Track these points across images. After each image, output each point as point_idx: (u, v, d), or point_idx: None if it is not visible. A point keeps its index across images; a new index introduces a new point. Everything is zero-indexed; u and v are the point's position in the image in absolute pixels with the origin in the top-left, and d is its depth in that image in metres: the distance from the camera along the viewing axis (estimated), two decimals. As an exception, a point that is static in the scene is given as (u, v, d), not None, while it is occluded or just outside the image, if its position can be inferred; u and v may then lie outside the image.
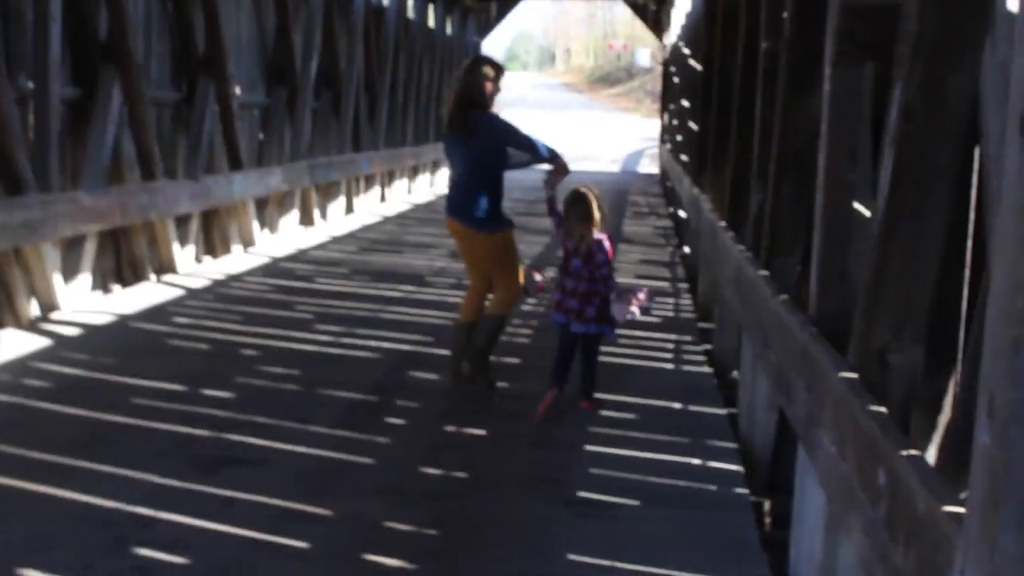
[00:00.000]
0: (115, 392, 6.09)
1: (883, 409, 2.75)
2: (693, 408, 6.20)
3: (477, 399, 6.22)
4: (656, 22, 27.97)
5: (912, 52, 2.70)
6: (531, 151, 6.26)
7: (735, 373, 7.52)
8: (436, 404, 6.08)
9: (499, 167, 6.24)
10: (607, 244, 6.09)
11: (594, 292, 6.05)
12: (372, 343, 7.58)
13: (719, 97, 9.21)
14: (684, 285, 10.80)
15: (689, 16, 16.64)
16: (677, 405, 6.24)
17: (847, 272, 3.76)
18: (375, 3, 17.73)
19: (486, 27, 27.58)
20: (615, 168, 31.65)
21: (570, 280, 6.10)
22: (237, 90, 11.69)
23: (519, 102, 54.52)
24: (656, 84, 60.35)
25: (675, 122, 20.17)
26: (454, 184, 6.39)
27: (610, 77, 70.55)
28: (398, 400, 6.16)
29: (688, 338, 8.18)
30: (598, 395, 6.14)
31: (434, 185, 21.99)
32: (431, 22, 21.86)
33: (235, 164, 11.61)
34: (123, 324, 7.96)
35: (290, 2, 13.41)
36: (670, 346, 7.89)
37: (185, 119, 10.94)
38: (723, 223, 7.37)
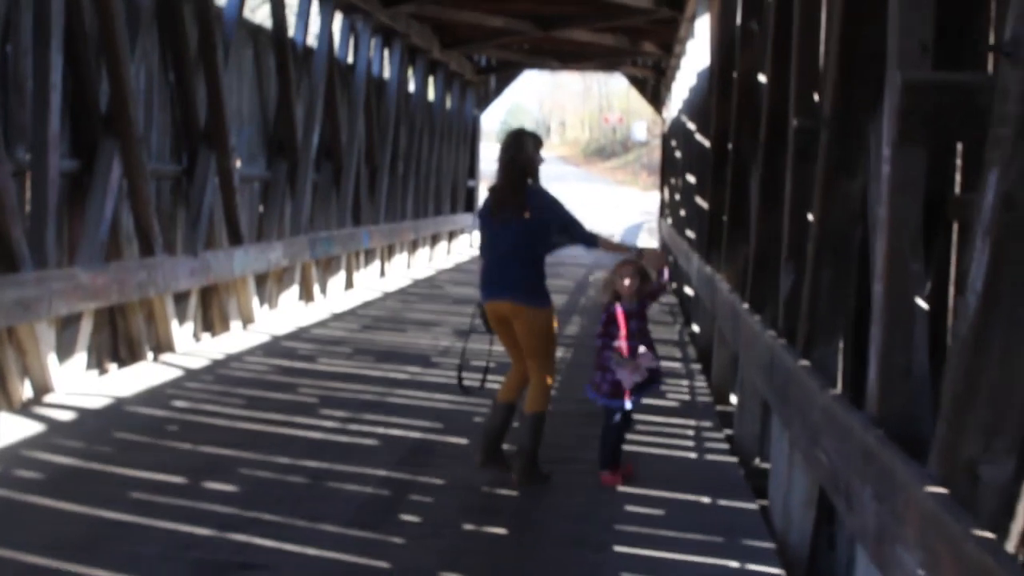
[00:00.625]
0: (111, 485, 5.74)
1: (990, 535, 2.44)
2: (723, 503, 5.87)
3: (494, 495, 5.88)
4: (655, 95, 27.97)
5: (1016, 134, 2.43)
6: (573, 234, 6.11)
7: (757, 460, 7.22)
8: (452, 500, 5.74)
9: (549, 241, 6.02)
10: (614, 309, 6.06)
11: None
12: (380, 430, 7.25)
13: (735, 174, 9.00)
14: (696, 366, 10.50)
15: (693, 90, 16.51)
16: (706, 499, 5.91)
17: (912, 369, 3.47)
18: (376, 75, 17.64)
19: (485, 100, 27.56)
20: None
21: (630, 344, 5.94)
22: (238, 163, 11.47)
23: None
24: (652, 157, 60.74)
25: (677, 197, 19.99)
26: (498, 262, 6.04)
27: (606, 150, 70.80)
28: (412, 495, 5.81)
29: (708, 423, 7.86)
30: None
31: (432, 260, 21.75)
32: (431, 95, 21.78)
33: (235, 239, 11.36)
34: (119, 408, 7.62)
35: (292, 73, 13.26)
36: (690, 432, 7.57)
37: (185, 192, 10.70)
38: (745, 305, 7.09)
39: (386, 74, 18.46)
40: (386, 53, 18.45)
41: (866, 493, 3.31)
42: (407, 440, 7.01)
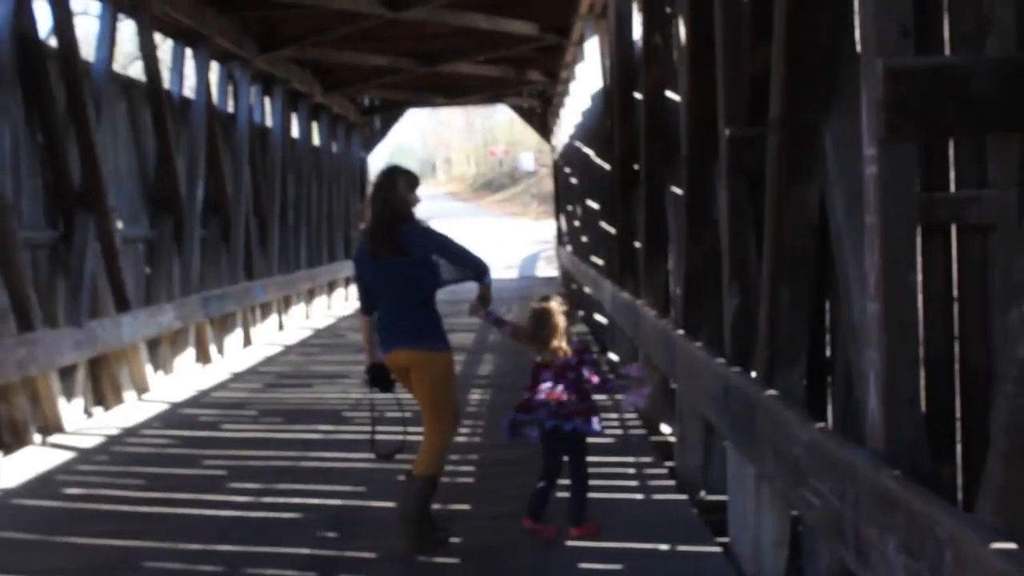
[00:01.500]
0: (-2, 597, 5.05)
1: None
2: (683, 548, 5.39)
3: (433, 565, 5.32)
4: (542, 124, 27.75)
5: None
6: (465, 265, 5.62)
7: (703, 493, 6.79)
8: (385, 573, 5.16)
9: (436, 279, 5.53)
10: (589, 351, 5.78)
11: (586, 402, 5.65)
12: (297, 499, 6.62)
13: (649, 196, 8.62)
14: (621, 397, 10.03)
15: (586, 114, 16.21)
16: (664, 546, 5.43)
17: (917, 398, 3.03)
18: (259, 123, 16.99)
19: (371, 141, 27.02)
20: (512, 274, 31.16)
21: (563, 389, 5.49)
22: (119, 224, 10.74)
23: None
24: (542, 187, 60.62)
25: (577, 224, 19.65)
26: (387, 310, 5.54)
27: (494, 183, 70.50)
28: (340, 575, 5.22)
29: (646, 458, 7.40)
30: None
31: (331, 308, 21.04)
32: (316, 140, 21.17)
33: (122, 305, 10.60)
34: (5, 502, 6.86)
35: (171, 127, 12.56)
36: (631, 470, 7.09)
37: (64, 259, 9.93)
38: (679, 331, 6.66)
39: (268, 122, 17.82)
40: (267, 100, 17.82)
41: (889, 546, 2.86)
42: (328, 509, 6.41)
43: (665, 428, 8.81)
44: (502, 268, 32.47)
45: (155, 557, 5.53)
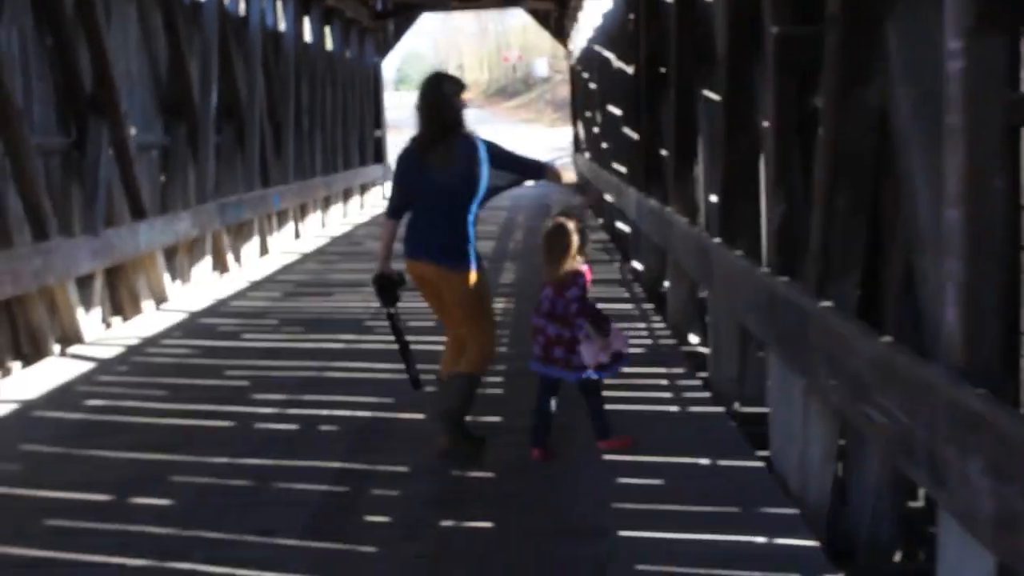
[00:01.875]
0: (22, 511, 4.92)
1: None
2: (724, 463, 5.24)
3: (466, 480, 5.19)
4: (558, 29, 27.21)
5: None
6: (524, 165, 5.69)
7: (737, 404, 6.64)
8: (420, 491, 5.02)
9: (478, 195, 5.31)
10: (585, 276, 5.35)
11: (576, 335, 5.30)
12: (323, 412, 6.49)
13: (678, 100, 8.32)
14: (648, 306, 9.87)
15: (608, 16, 15.80)
16: (704, 460, 5.28)
17: (1001, 312, 2.83)
18: (271, 27, 16.60)
19: (384, 47, 26.50)
20: (528, 181, 30.78)
21: (553, 326, 5.22)
22: (133, 130, 10.49)
23: (418, 122, 53.43)
24: (556, 93, 59.86)
25: (596, 130, 19.30)
26: (422, 219, 5.38)
27: (507, 89, 69.61)
28: (373, 489, 5.09)
29: (679, 369, 7.24)
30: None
31: (347, 216, 20.81)
32: (329, 45, 20.74)
33: (138, 212, 10.39)
34: (26, 414, 6.74)
35: (182, 30, 12.22)
36: (663, 381, 6.93)
37: (77, 167, 9.70)
38: (716, 239, 6.44)
39: (281, 26, 17.41)
40: (279, 3, 17.40)
41: (972, 467, 2.68)
42: (356, 421, 6.27)
43: (693, 338, 8.65)
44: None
45: (183, 471, 5.41)
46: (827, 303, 4.15)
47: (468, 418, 5.48)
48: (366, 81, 24.31)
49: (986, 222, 2.84)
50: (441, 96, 5.29)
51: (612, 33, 15.28)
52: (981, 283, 2.85)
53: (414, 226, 5.40)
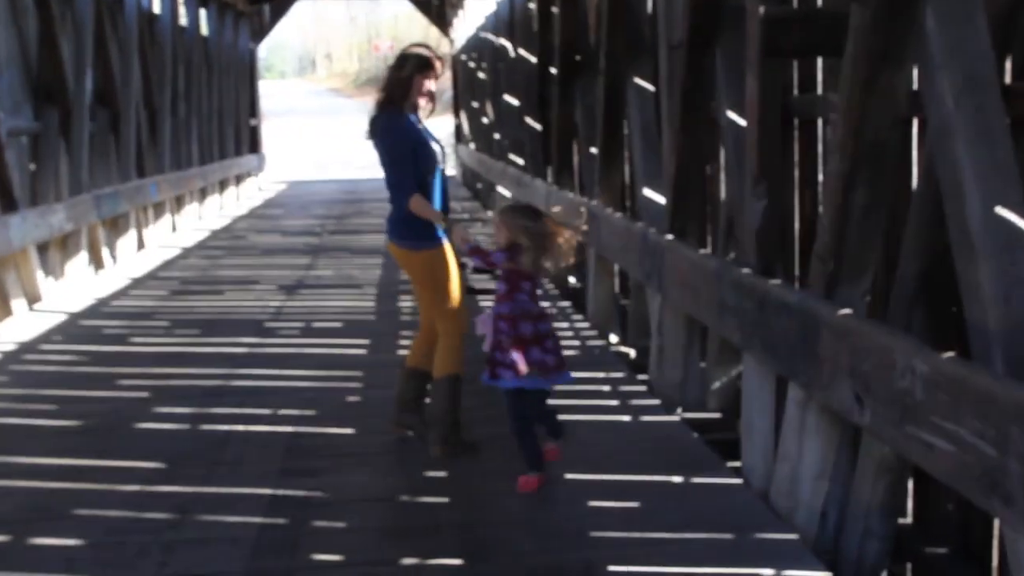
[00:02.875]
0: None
1: None
2: (698, 480, 4.79)
3: (418, 505, 4.63)
4: (440, 16, 26.58)
5: None
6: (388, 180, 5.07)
7: (679, 410, 6.24)
8: (369, 520, 4.45)
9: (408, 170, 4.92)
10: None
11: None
12: (239, 427, 5.83)
13: (608, 86, 7.86)
14: (565, 303, 9.42)
15: (504, 3, 15.29)
16: (677, 479, 4.83)
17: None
18: (146, 9, 15.63)
19: (260, 33, 25.53)
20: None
21: (527, 324, 4.65)
22: (0, 115, 9.58)
23: (289, 111, 52.26)
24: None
25: (485, 120, 18.76)
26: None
27: (379, 79, 67.98)
28: (315, 520, 4.49)
29: (619, 373, 6.79)
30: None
31: (223, 208, 19.85)
32: (204, 29, 19.76)
33: (9, 204, 9.48)
34: None
35: (55, 6, 11.28)
36: (606, 388, 6.46)
37: (-59, 155, 8.78)
38: (669, 236, 5.99)
39: (156, 7, 16.43)
40: (153, -17, 16.42)
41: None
42: (279, 438, 5.63)
43: (612, 338, 8.24)
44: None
45: (88, 502, 4.71)
46: (845, 310, 3.72)
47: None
48: (241, 68, 23.34)
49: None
50: (396, 69, 5.04)
51: (511, 21, 14.79)
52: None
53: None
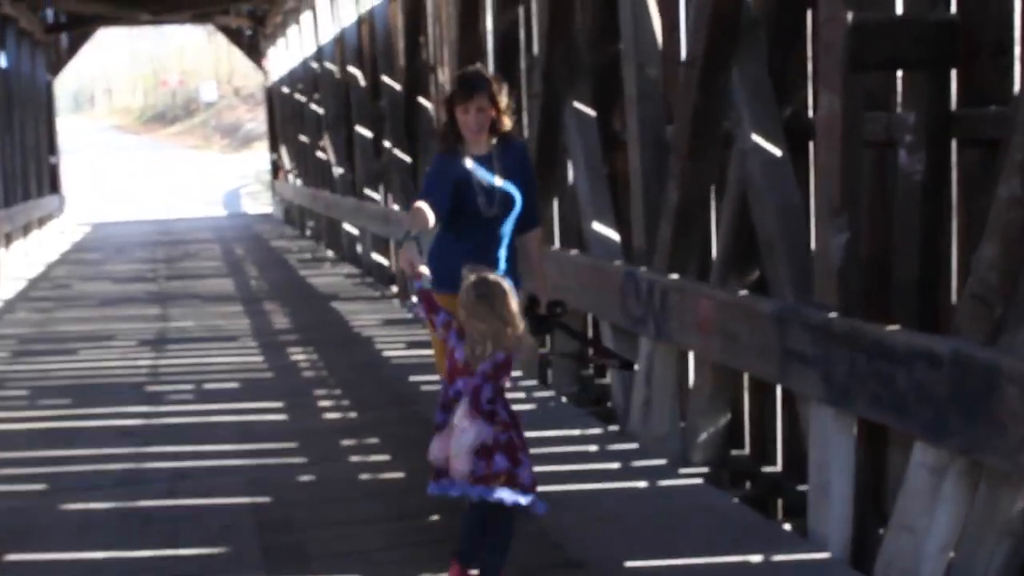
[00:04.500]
0: None
1: None
2: (779, 558, 4.11)
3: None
4: (252, 47, 25.41)
5: None
6: None
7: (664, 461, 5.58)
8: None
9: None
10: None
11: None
12: (186, 525, 4.81)
13: (545, 108, 7.18)
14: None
15: (352, 32, 14.45)
16: (755, 558, 4.13)
17: None
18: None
19: (58, 64, 23.76)
20: (219, 211, 28.68)
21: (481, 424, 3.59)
22: None
23: (72, 150, 49.38)
24: (222, 119, 56.66)
25: (321, 155, 17.69)
26: None
27: (166, 116, 65.19)
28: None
29: (595, 430, 6.07)
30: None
31: (30, 254, 18.03)
32: (2, 60, 18.03)
33: None
34: None
35: None
36: (592, 448, 5.75)
37: None
38: (673, 276, 5.32)
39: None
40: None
41: None
42: (247, 539, 4.64)
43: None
44: (202, 204, 29.92)
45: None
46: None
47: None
48: (39, 102, 21.56)
49: None
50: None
51: (360, 48, 13.96)
52: None
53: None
